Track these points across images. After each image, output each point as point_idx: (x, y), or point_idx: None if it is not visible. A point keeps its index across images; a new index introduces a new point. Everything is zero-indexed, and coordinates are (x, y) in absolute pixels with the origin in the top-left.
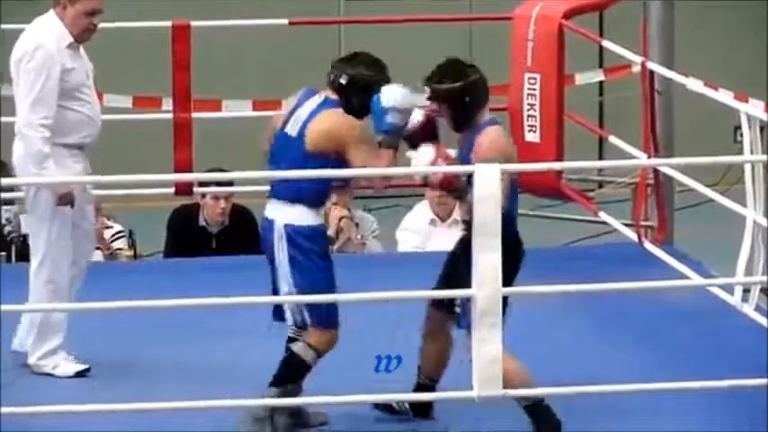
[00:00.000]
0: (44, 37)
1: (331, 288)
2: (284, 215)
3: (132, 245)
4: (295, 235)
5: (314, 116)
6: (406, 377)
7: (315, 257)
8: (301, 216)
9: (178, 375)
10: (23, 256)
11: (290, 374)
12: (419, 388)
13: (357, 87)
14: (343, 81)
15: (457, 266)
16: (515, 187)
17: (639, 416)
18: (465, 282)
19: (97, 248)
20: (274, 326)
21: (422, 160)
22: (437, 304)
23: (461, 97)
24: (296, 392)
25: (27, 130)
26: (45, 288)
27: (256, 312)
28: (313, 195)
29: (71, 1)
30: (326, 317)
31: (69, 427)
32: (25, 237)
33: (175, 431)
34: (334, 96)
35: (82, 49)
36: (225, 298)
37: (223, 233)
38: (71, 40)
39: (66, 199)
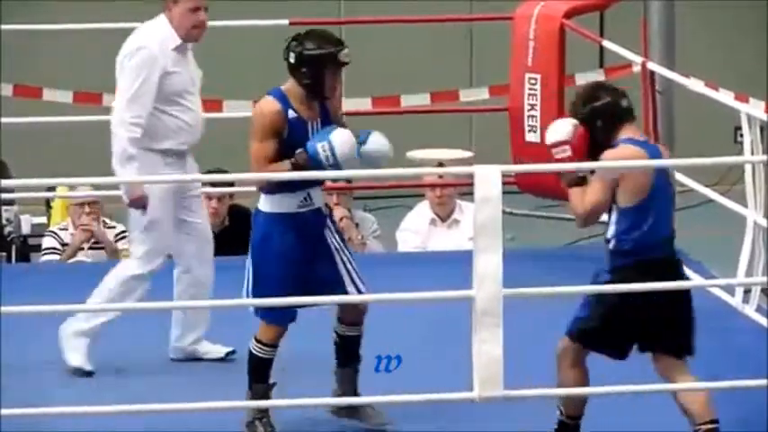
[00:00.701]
0: (149, 38)
1: (277, 283)
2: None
3: None
4: (257, 220)
5: None
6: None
7: (272, 243)
8: (264, 203)
9: (177, 374)
10: (24, 256)
11: (253, 374)
12: (561, 427)
13: (305, 64)
14: (291, 60)
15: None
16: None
17: (640, 416)
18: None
19: (101, 248)
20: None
21: (563, 129)
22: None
23: (593, 121)
24: (265, 391)
25: (117, 128)
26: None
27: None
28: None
29: (175, 0)
30: (265, 312)
31: (69, 427)
32: (25, 237)
33: (175, 431)
34: (284, 85)
35: (191, 55)
36: (225, 299)
37: (223, 234)
38: (178, 42)
39: (137, 203)
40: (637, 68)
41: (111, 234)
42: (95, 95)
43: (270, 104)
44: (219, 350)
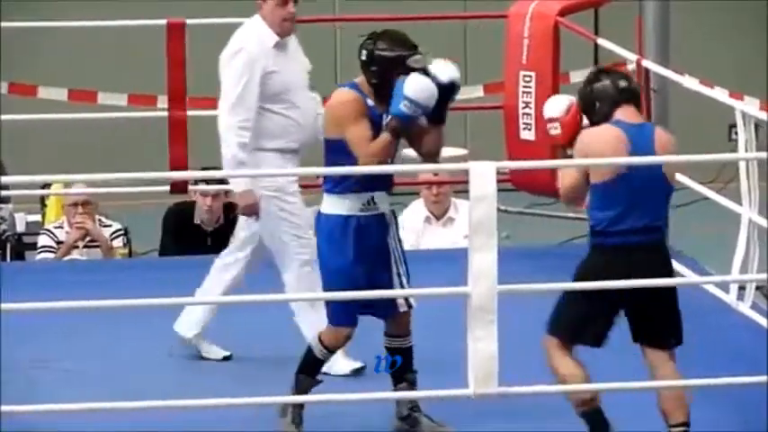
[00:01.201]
0: (247, 39)
1: (342, 283)
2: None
3: (127, 243)
4: (319, 223)
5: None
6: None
7: (332, 247)
8: (326, 205)
9: (177, 372)
10: (18, 254)
11: (304, 366)
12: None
13: (375, 63)
14: (363, 57)
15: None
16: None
17: (635, 414)
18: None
19: (96, 246)
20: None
21: (557, 106)
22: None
23: (591, 102)
24: (308, 384)
25: (226, 133)
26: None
27: (251, 310)
28: (334, 182)
29: None
30: (333, 314)
31: (68, 425)
32: (20, 235)
33: (172, 429)
34: (357, 79)
35: (295, 50)
36: (220, 297)
37: (219, 231)
38: (276, 39)
39: (249, 210)
40: (631, 66)
41: (106, 232)
42: (90, 93)
43: (348, 93)
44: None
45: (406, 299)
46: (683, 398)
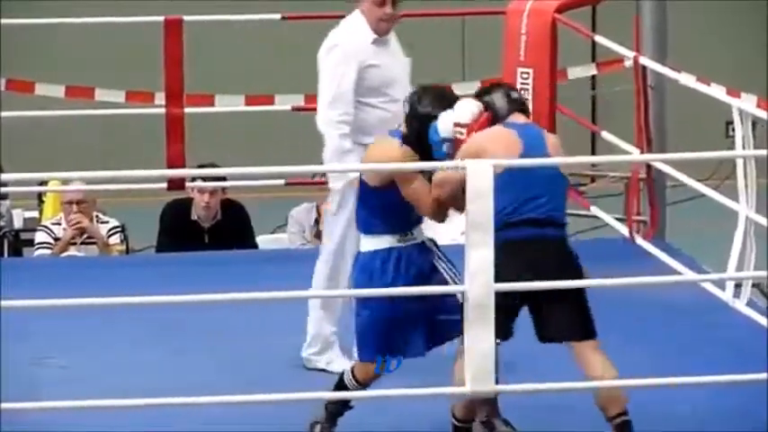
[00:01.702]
0: (344, 34)
1: (377, 324)
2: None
3: (124, 239)
4: (357, 262)
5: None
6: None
7: (374, 279)
8: (364, 244)
9: (173, 371)
10: (16, 250)
11: (337, 391)
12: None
13: (414, 118)
14: (405, 110)
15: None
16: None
17: (632, 412)
18: None
19: (92, 243)
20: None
21: (466, 112)
22: None
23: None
24: (341, 407)
25: (326, 128)
26: (327, 280)
27: (249, 308)
28: (369, 226)
29: None
30: (367, 348)
31: (66, 423)
32: (17, 231)
33: (170, 427)
34: (403, 129)
35: (396, 46)
36: (218, 294)
37: (216, 228)
38: (374, 36)
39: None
40: (629, 63)
41: (104, 229)
42: (88, 90)
43: (405, 150)
44: None
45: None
46: (617, 391)
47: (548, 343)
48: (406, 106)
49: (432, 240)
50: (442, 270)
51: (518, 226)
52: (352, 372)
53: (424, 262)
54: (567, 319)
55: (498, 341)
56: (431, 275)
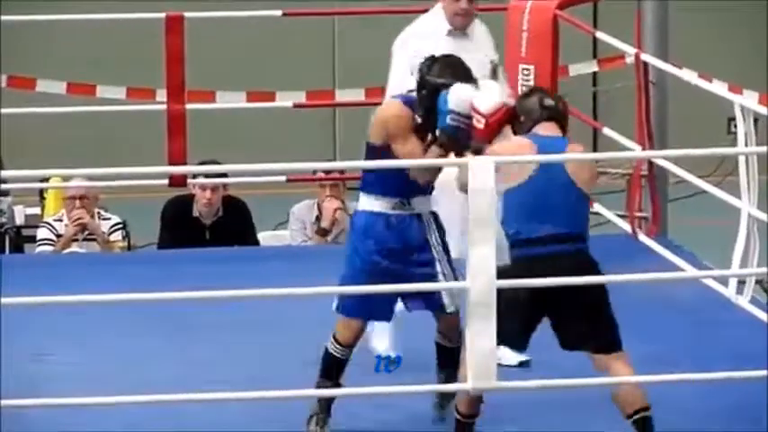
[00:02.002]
0: (418, 26)
1: (359, 276)
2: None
3: (126, 236)
4: (352, 219)
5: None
6: None
7: (357, 243)
8: (360, 202)
9: (175, 368)
10: (17, 247)
11: (324, 372)
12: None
13: (425, 88)
14: (416, 77)
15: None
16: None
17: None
18: None
19: (93, 240)
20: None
21: (489, 102)
22: None
23: (518, 115)
24: (329, 399)
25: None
26: None
27: (249, 304)
28: (368, 184)
29: None
30: (344, 303)
31: (66, 421)
32: (19, 228)
33: (171, 423)
34: (413, 93)
35: (479, 39)
36: (219, 290)
37: (217, 224)
38: (449, 27)
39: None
40: (630, 59)
41: (105, 226)
42: (89, 87)
43: (401, 108)
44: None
45: (454, 300)
46: (634, 392)
47: (570, 351)
48: (417, 74)
49: (433, 214)
50: (431, 246)
51: (533, 243)
52: (334, 338)
53: (416, 234)
54: (587, 331)
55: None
56: (418, 249)
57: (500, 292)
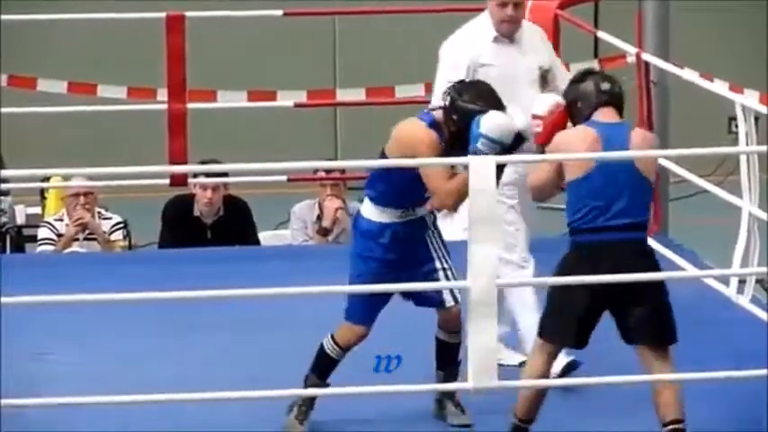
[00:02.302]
0: (464, 32)
1: (365, 282)
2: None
3: (127, 235)
4: (357, 221)
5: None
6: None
7: (362, 250)
8: (366, 209)
9: (175, 368)
10: (18, 246)
11: (316, 368)
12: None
13: (456, 113)
14: (446, 102)
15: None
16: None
17: (634, 407)
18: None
19: (94, 239)
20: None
21: (543, 105)
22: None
23: (573, 102)
24: (317, 386)
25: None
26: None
27: (250, 304)
28: (380, 195)
29: None
30: (352, 310)
31: (69, 421)
32: (20, 227)
33: (172, 423)
34: (434, 112)
35: (528, 46)
36: (219, 290)
37: (218, 224)
38: (494, 34)
39: None
40: (631, 59)
41: (106, 225)
42: (90, 86)
43: (428, 133)
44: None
45: (453, 294)
46: (673, 397)
47: (632, 345)
48: (447, 98)
49: (432, 214)
50: (430, 246)
51: (600, 230)
52: (333, 339)
53: (417, 235)
54: (642, 324)
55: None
56: (420, 251)
57: (556, 290)
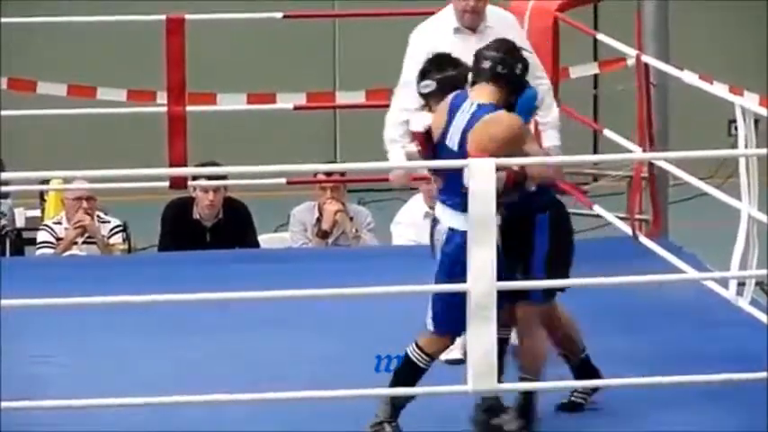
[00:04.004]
0: (428, 22)
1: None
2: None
3: (126, 239)
4: (454, 238)
5: (472, 127)
6: None
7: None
8: (459, 221)
9: (176, 370)
10: (18, 249)
11: (401, 380)
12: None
13: (512, 81)
14: (500, 70)
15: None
16: None
17: (634, 409)
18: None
19: (94, 242)
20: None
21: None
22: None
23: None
24: (401, 406)
25: (389, 114)
26: None
27: (250, 306)
28: (461, 201)
29: None
30: (449, 323)
31: (67, 422)
32: (19, 230)
33: (171, 425)
34: (484, 100)
35: (494, 34)
36: (219, 292)
37: (217, 226)
38: (456, 25)
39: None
40: (631, 61)
41: (105, 228)
42: (90, 89)
43: (515, 117)
44: None
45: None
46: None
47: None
48: (498, 66)
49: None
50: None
51: None
52: (421, 348)
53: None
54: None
55: None
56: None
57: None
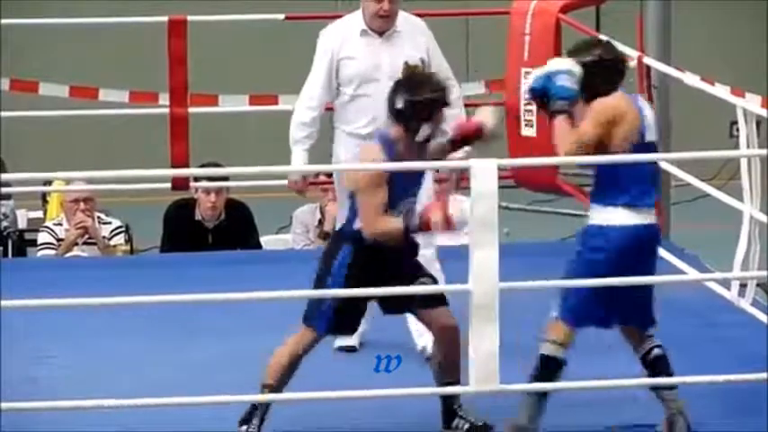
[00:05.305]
0: (335, 25)
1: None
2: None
3: (128, 240)
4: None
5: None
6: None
7: (588, 254)
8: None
9: (178, 371)
10: (20, 250)
11: (542, 376)
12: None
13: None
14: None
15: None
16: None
17: (635, 410)
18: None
19: (93, 243)
20: (271, 322)
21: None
22: None
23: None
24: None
25: (294, 114)
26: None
27: (252, 308)
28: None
29: None
30: (571, 312)
31: (68, 424)
32: (21, 232)
33: (173, 427)
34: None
35: (404, 41)
36: (221, 294)
37: (219, 228)
38: (363, 28)
39: (294, 186)
40: (633, 63)
41: (106, 230)
42: (92, 90)
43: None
44: None
45: None
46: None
47: None
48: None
49: None
50: None
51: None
52: (553, 341)
53: None
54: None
55: None
56: None
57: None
